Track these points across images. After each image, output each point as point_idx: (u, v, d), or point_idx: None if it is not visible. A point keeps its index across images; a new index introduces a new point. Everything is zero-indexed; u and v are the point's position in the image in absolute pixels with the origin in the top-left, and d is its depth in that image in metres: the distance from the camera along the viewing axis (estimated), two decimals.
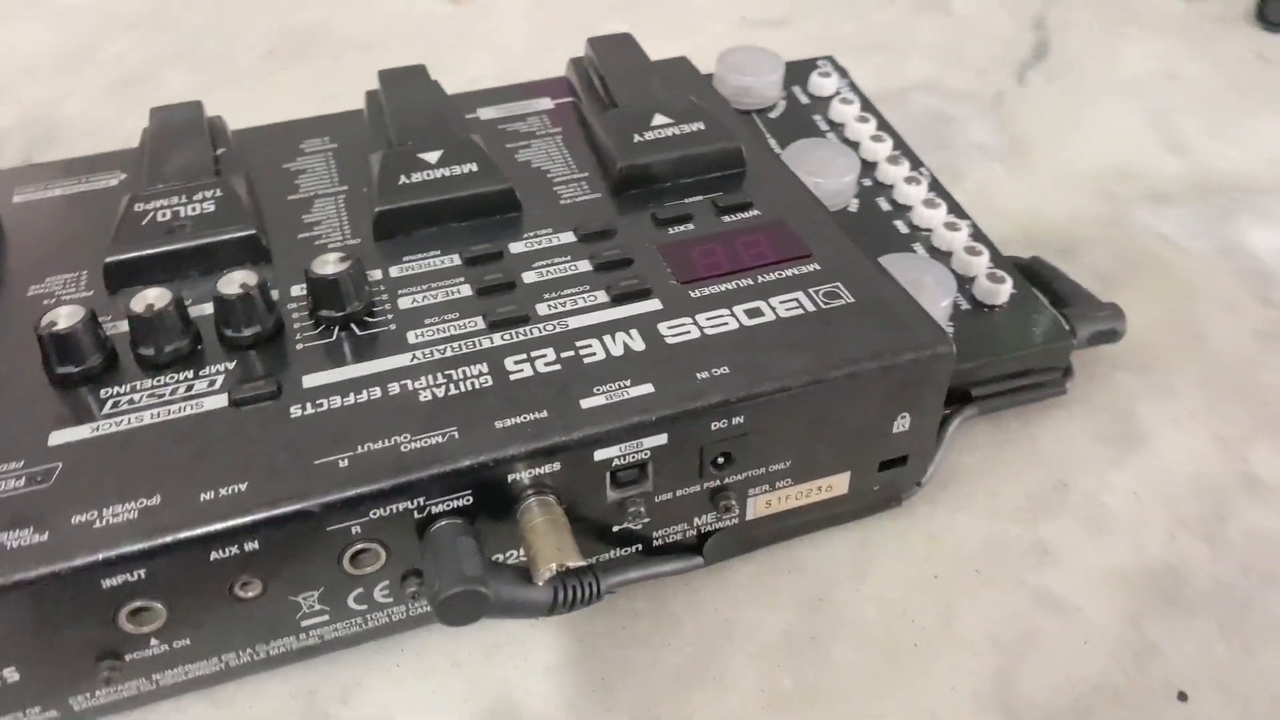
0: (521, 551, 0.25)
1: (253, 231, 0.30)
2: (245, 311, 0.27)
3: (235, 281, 0.27)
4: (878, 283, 0.29)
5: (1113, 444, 0.34)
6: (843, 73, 0.44)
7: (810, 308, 0.28)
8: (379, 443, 0.24)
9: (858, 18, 0.54)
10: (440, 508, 0.24)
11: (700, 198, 0.33)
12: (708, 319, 0.28)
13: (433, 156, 0.33)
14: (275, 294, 0.29)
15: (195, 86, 0.49)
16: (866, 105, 0.43)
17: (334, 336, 0.28)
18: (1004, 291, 0.34)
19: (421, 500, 0.24)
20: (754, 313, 0.28)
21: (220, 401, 0.26)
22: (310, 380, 0.26)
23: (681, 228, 0.32)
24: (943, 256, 0.36)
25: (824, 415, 0.27)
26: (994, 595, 0.30)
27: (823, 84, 0.43)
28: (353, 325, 0.28)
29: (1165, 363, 0.37)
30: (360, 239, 0.32)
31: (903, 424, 0.29)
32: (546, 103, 0.39)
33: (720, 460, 0.27)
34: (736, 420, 0.26)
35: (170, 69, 0.51)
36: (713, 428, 0.26)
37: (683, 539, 0.28)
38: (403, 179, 0.32)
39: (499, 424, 0.24)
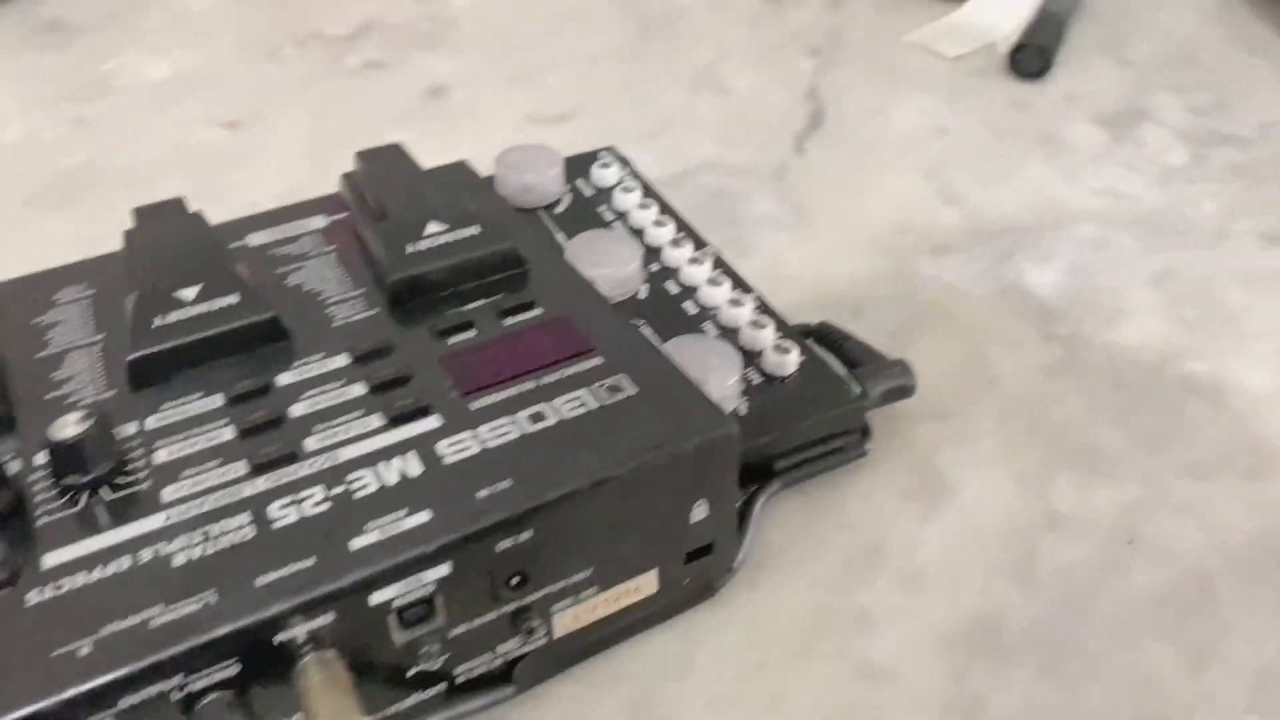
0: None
1: None
2: None
3: None
4: (660, 370, 0.29)
5: (919, 499, 0.35)
6: (624, 162, 0.45)
7: (594, 404, 0.28)
8: (125, 620, 0.22)
9: (638, 105, 0.55)
10: (203, 683, 0.22)
11: (481, 302, 0.32)
12: (490, 430, 0.27)
13: (190, 293, 0.31)
14: (19, 464, 0.27)
15: None
16: (648, 191, 0.43)
17: (81, 505, 0.25)
18: (791, 361, 0.35)
19: (181, 678, 0.21)
20: (537, 417, 0.27)
21: None
22: (52, 559, 0.24)
23: (462, 336, 0.31)
24: (731, 334, 0.36)
25: (617, 514, 0.26)
26: (819, 672, 0.29)
27: (604, 175, 0.43)
28: (104, 489, 0.26)
29: (961, 409, 0.38)
30: (115, 389, 0.29)
31: (700, 511, 0.28)
32: (320, 221, 0.38)
33: (515, 581, 0.25)
34: (524, 535, 0.25)
35: None
36: (498, 549, 0.24)
37: (489, 669, 0.27)
38: (157, 320, 0.30)
39: (259, 580, 0.23)
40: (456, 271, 0.33)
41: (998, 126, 0.53)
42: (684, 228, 0.41)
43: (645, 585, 0.28)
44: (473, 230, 0.34)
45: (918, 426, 0.37)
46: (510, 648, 0.27)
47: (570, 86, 0.56)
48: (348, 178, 0.39)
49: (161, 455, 0.27)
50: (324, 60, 0.58)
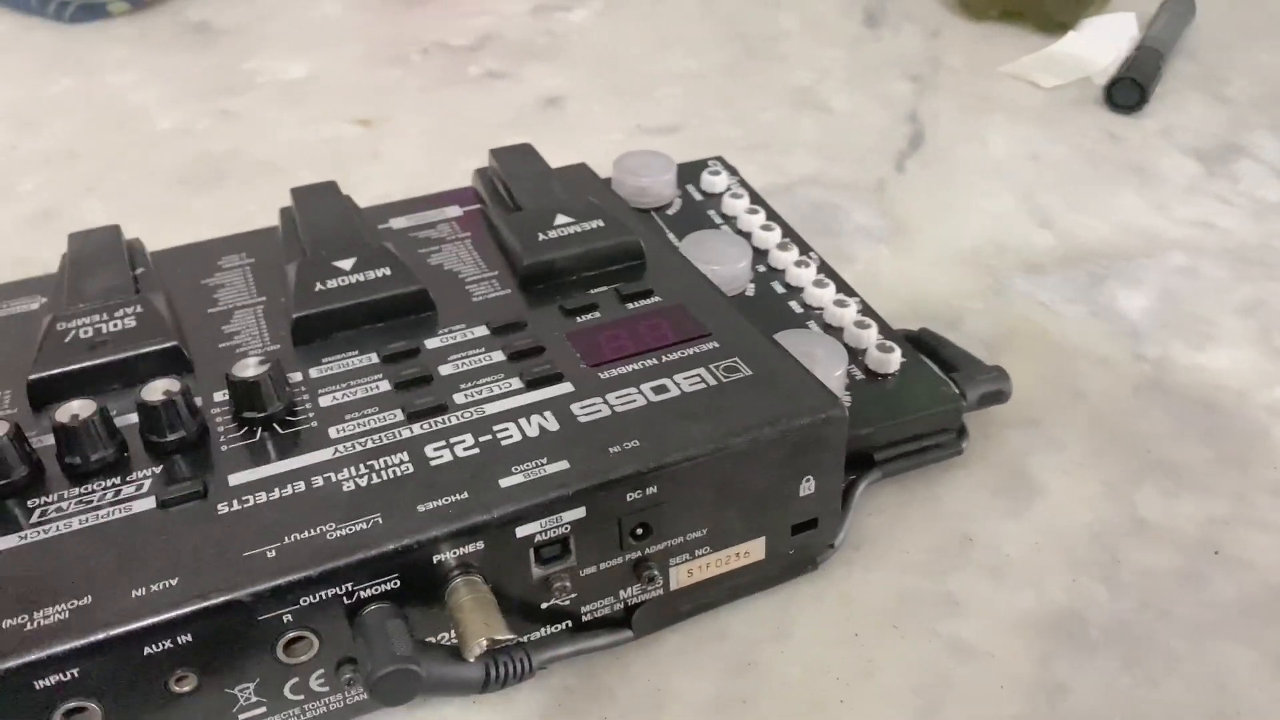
0: (453, 633, 0.26)
1: (174, 343, 0.31)
2: (169, 417, 0.28)
3: (158, 389, 0.28)
4: (772, 356, 0.31)
5: (1009, 497, 0.36)
6: (731, 170, 0.47)
7: (711, 382, 0.30)
8: (305, 533, 0.25)
9: (743, 121, 0.57)
10: (369, 593, 0.25)
11: (604, 288, 0.35)
12: (617, 398, 0.29)
13: (347, 264, 0.34)
14: (199, 400, 0.30)
15: (112, 216, 0.50)
16: (755, 198, 0.46)
17: (257, 437, 0.28)
18: (894, 360, 0.37)
19: (350, 586, 0.24)
20: (660, 389, 0.30)
21: (149, 504, 0.26)
22: (236, 479, 0.27)
23: (588, 316, 0.34)
24: (835, 332, 0.38)
25: (732, 481, 0.29)
26: (910, 647, 0.31)
27: (713, 181, 0.46)
28: (275, 425, 0.29)
29: (1051, 419, 0.40)
30: (280, 344, 0.33)
31: (808, 487, 0.30)
32: (455, 210, 0.41)
33: (639, 531, 0.28)
34: (650, 490, 0.27)
35: (85, 200, 0.51)
36: (628, 499, 0.27)
37: (610, 613, 0.29)
38: (318, 286, 0.33)
39: (421, 508, 0.25)
40: (582, 259, 0.36)
41: (1092, 155, 0.54)
42: (789, 233, 0.44)
43: (754, 551, 0.31)
44: (597, 223, 0.37)
45: (1009, 431, 0.39)
46: (631, 594, 0.29)
47: (677, 101, 0.59)
48: (481, 172, 0.42)
49: (325, 401, 0.30)
50: (447, 68, 0.62)
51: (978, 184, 0.52)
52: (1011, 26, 0.65)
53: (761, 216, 0.44)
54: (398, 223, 0.40)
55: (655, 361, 0.31)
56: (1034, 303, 0.45)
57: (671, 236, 0.43)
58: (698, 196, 0.46)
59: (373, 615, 0.24)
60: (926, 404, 0.36)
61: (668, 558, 0.29)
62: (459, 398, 0.30)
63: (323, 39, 0.65)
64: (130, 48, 0.64)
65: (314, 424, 0.29)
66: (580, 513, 0.26)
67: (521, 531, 0.26)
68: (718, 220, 0.44)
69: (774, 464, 0.29)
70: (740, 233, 0.43)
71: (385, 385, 0.30)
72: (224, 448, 0.28)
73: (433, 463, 0.27)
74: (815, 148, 0.55)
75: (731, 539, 0.30)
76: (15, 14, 0.67)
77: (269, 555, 0.24)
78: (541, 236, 0.36)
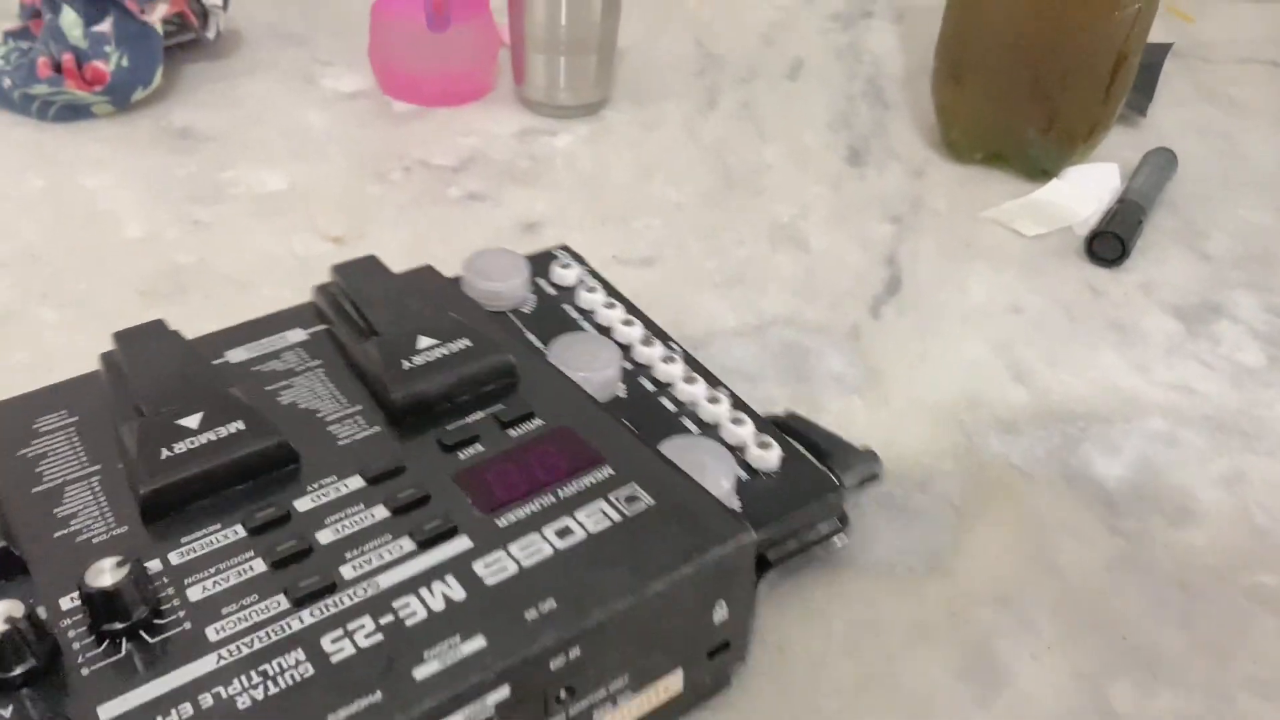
0: None
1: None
2: (12, 649, 0.24)
3: None
4: (668, 478, 0.30)
5: (977, 682, 0.34)
6: (580, 260, 0.46)
7: (616, 517, 0.29)
8: None
9: (719, 254, 0.57)
10: None
11: (482, 414, 0.33)
12: (520, 549, 0.28)
13: (193, 420, 0.31)
14: (43, 612, 0.26)
15: (66, 323, 0.49)
16: (610, 290, 0.45)
17: (123, 651, 0.25)
18: (774, 457, 0.37)
19: None
20: (564, 533, 0.28)
21: None
22: (107, 711, 0.24)
23: (470, 450, 0.32)
24: (711, 430, 0.38)
25: (652, 624, 0.27)
26: None
27: (564, 274, 0.45)
28: (142, 633, 0.26)
29: (1022, 595, 0.38)
30: (127, 525, 0.29)
31: (721, 613, 0.29)
32: (299, 334, 0.38)
33: (562, 695, 0.26)
34: (574, 654, 0.26)
35: (40, 307, 0.50)
36: (551, 667, 0.25)
37: None
38: (164, 452, 0.30)
39: (332, 719, 0.23)
40: (455, 387, 0.34)
41: (1071, 309, 0.54)
42: (650, 325, 0.43)
43: (673, 684, 0.29)
44: (464, 343, 0.35)
45: (979, 609, 0.37)
46: None
47: (655, 232, 0.58)
48: (323, 289, 0.39)
49: (195, 593, 0.27)
50: (428, 187, 0.61)
51: (954, 332, 0.51)
52: (996, 170, 0.66)
53: (620, 311, 0.43)
54: (236, 355, 0.36)
55: (553, 498, 0.30)
56: (1007, 464, 0.44)
57: (535, 340, 0.41)
58: (551, 290, 0.45)
59: None
60: (809, 497, 0.36)
61: (591, 711, 0.27)
62: (347, 571, 0.27)
63: (305, 151, 0.64)
64: (109, 149, 0.63)
65: (187, 625, 0.26)
66: (504, 692, 0.25)
67: None
68: (575, 315, 0.43)
69: (690, 598, 0.28)
70: (600, 327, 0.42)
71: (260, 564, 0.28)
72: (84, 671, 0.25)
73: (334, 658, 0.25)
74: (791, 286, 0.54)
75: (650, 677, 0.29)
76: (4, 112, 0.67)
77: None
78: (407, 365, 0.33)
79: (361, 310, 0.37)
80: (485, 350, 0.34)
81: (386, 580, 0.27)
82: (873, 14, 0.89)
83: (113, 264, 0.53)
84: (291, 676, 0.25)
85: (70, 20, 0.67)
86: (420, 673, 0.24)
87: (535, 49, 0.68)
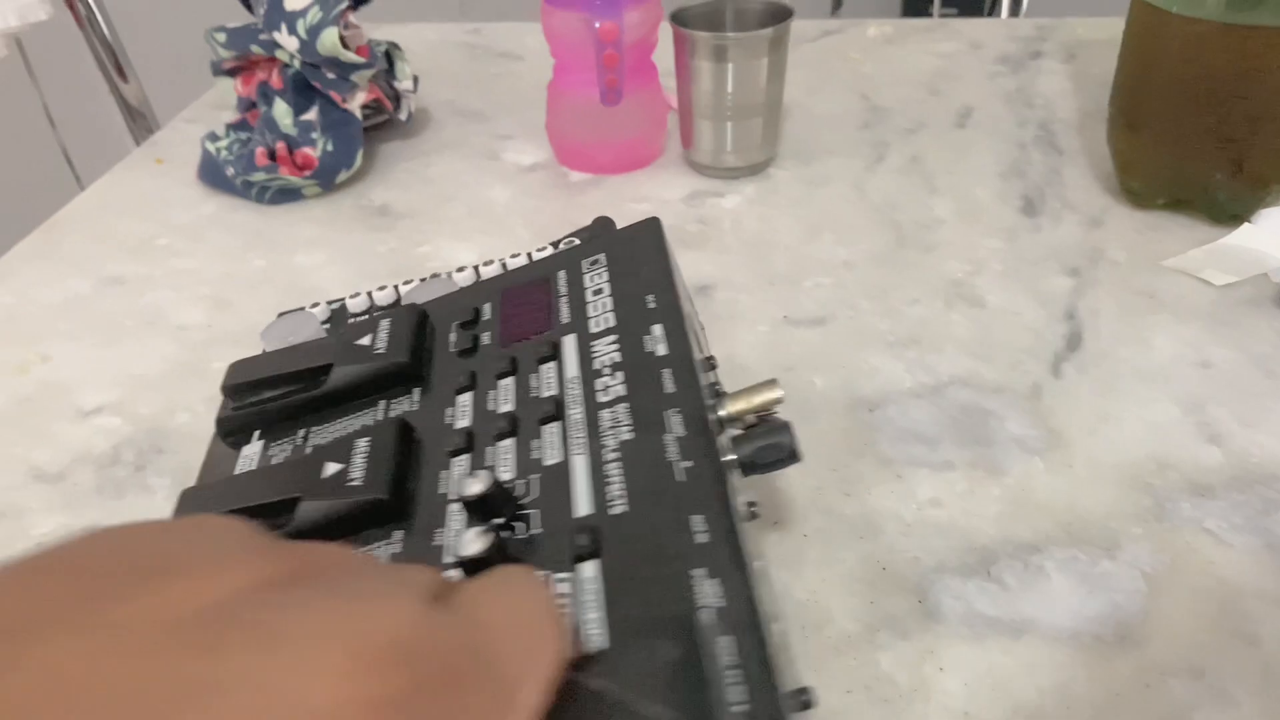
0: None
1: None
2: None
3: None
4: None
5: None
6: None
7: None
8: None
9: (893, 314, 0.57)
10: None
11: None
12: None
13: None
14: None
15: None
16: None
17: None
18: None
19: None
20: None
21: None
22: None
23: None
24: None
25: None
26: None
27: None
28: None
29: (1219, 669, 0.37)
30: None
31: None
32: None
33: None
34: None
35: None
36: None
37: None
38: None
39: None
40: None
41: (1267, 363, 0.52)
42: None
43: None
44: None
45: (1171, 680, 0.36)
46: None
47: (825, 291, 0.59)
48: None
49: None
50: None
51: (1139, 391, 0.50)
52: (1179, 216, 0.64)
53: None
54: None
55: None
56: (1199, 530, 0.43)
57: None
58: None
59: None
60: None
61: None
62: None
63: (491, 224, 0.69)
64: (318, 229, 0.69)
65: None
66: None
67: None
68: None
69: None
70: None
71: None
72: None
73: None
74: (967, 346, 0.54)
75: None
76: (223, 194, 0.74)
77: None
78: None
79: None
80: None
81: None
82: (1042, 54, 0.88)
83: None
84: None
85: (282, 110, 0.74)
86: None
87: (702, 116, 0.70)
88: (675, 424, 0.32)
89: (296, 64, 0.72)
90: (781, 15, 0.68)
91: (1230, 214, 0.62)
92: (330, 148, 0.73)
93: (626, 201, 0.70)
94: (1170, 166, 0.62)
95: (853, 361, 0.54)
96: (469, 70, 0.94)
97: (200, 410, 0.54)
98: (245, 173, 0.72)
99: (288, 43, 0.71)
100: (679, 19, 0.69)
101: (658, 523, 0.28)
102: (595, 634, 0.25)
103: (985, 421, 0.49)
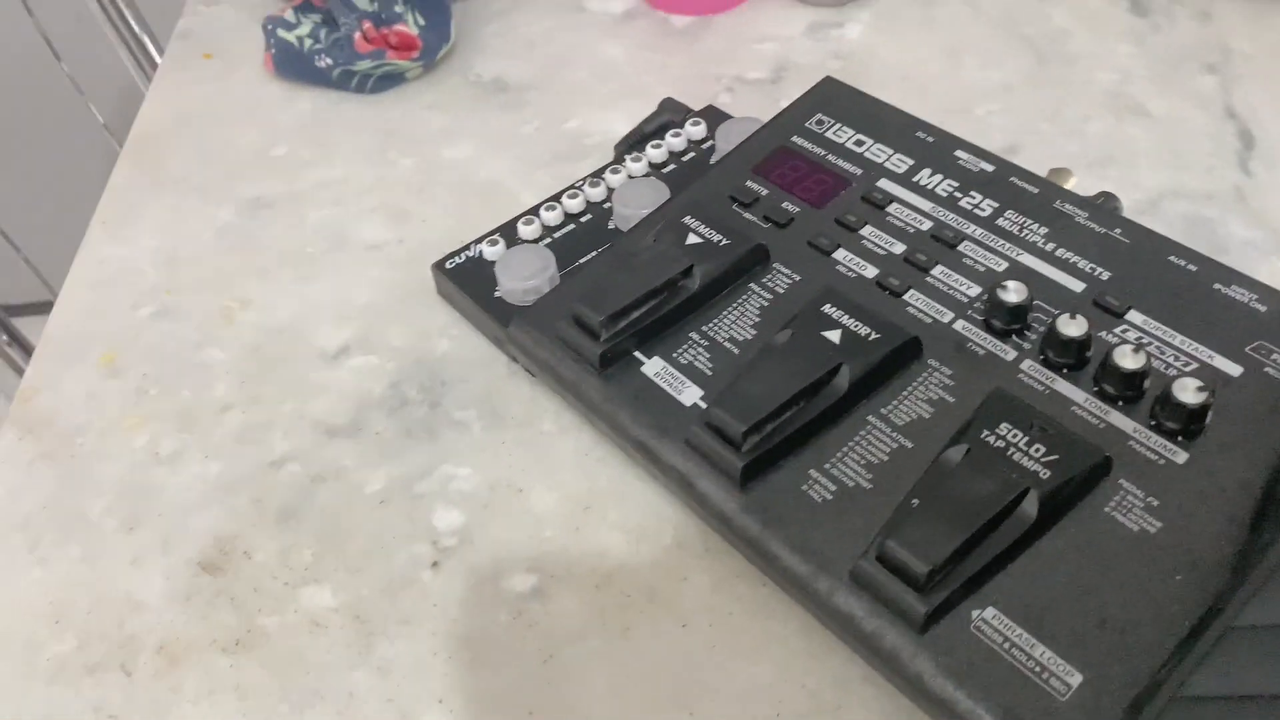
0: None
1: None
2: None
3: None
4: None
5: None
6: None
7: None
8: None
9: (1075, 135, 0.60)
10: None
11: None
12: None
13: None
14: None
15: None
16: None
17: None
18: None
19: None
20: None
21: None
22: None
23: None
24: None
25: None
26: None
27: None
28: None
29: None
30: None
31: None
32: None
33: None
34: None
35: None
36: None
37: None
38: None
39: None
40: None
41: None
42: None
43: None
44: None
45: None
46: None
47: (1000, 118, 0.61)
48: None
49: None
50: (761, 104, 0.64)
51: None
52: None
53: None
54: None
55: None
56: None
57: None
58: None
59: None
60: None
61: None
62: None
63: (624, 87, 0.67)
64: (446, 116, 0.65)
65: None
66: None
67: None
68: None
69: None
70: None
71: None
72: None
73: None
74: (1156, 158, 0.58)
75: None
76: (318, 89, 0.69)
77: None
78: None
79: None
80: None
81: None
82: None
83: None
84: None
85: None
86: None
87: None
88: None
89: None
90: None
91: None
92: (422, 21, 0.68)
93: (748, 43, 0.69)
94: None
95: None
96: None
97: (456, 334, 0.52)
98: (347, 62, 0.66)
99: None
100: None
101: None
102: None
103: (1214, 231, 0.54)
